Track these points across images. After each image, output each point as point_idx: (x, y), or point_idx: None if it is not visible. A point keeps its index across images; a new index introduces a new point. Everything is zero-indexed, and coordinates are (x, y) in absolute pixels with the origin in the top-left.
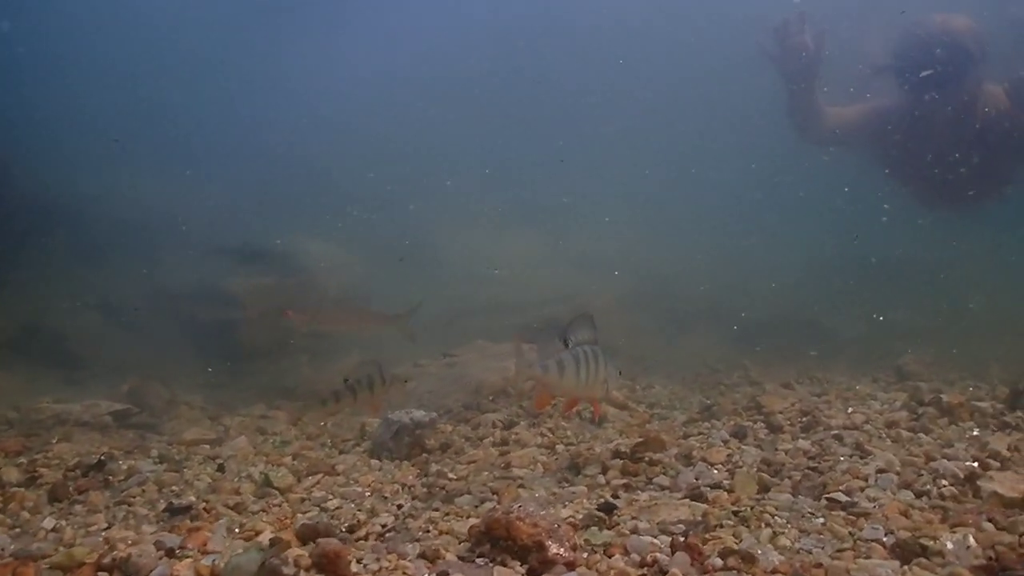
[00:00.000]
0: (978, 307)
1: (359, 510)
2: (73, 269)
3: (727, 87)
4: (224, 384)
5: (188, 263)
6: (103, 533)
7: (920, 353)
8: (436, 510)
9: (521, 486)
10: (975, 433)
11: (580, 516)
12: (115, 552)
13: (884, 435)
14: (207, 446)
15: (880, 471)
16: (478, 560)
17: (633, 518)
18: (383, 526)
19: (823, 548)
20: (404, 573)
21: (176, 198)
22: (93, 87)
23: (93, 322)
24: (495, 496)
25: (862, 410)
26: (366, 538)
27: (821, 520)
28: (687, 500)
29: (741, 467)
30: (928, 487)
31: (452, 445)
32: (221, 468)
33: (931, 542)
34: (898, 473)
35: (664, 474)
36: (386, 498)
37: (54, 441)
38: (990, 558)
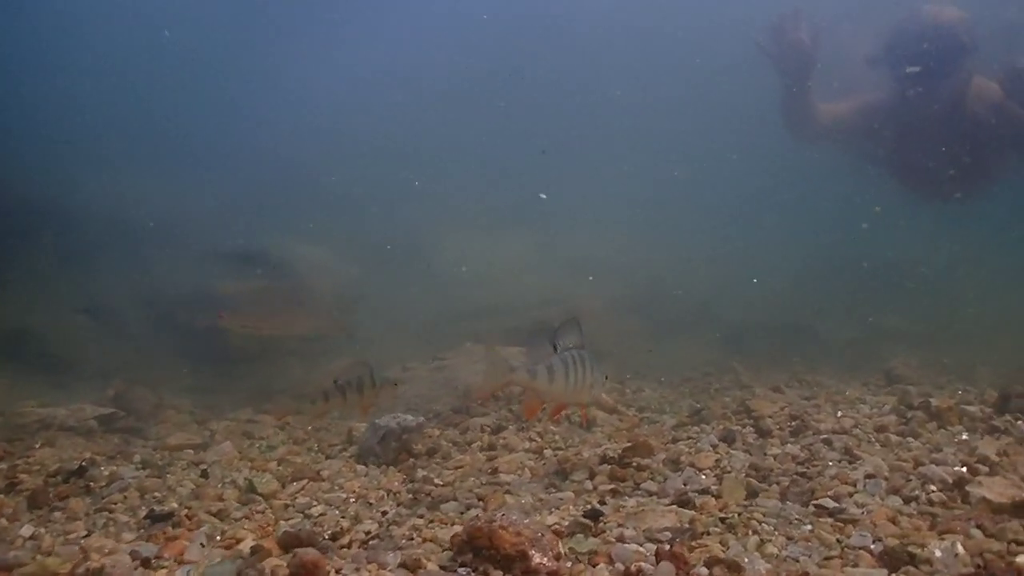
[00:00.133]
0: (967, 311)
1: (343, 517)
2: (61, 271)
3: (720, 90)
4: (212, 388)
5: (178, 266)
6: (82, 541)
7: (909, 357)
8: (421, 517)
9: (508, 492)
10: (964, 437)
11: (566, 523)
12: (89, 563)
13: (873, 439)
14: (191, 451)
15: (868, 476)
16: (460, 570)
17: (619, 525)
18: (367, 533)
19: (810, 556)
20: None
21: (166, 200)
22: (83, 87)
23: (81, 325)
24: (481, 502)
25: (851, 414)
26: (349, 546)
27: (809, 527)
28: (674, 506)
29: (729, 472)
30: (917, 493)
31: (439, 450)
32: (205, 474)
33: (919, 550)
34: (887, 478)
35: (652, 479)
36: (371, 504)
37: (37, 446)
38: (978, 566)
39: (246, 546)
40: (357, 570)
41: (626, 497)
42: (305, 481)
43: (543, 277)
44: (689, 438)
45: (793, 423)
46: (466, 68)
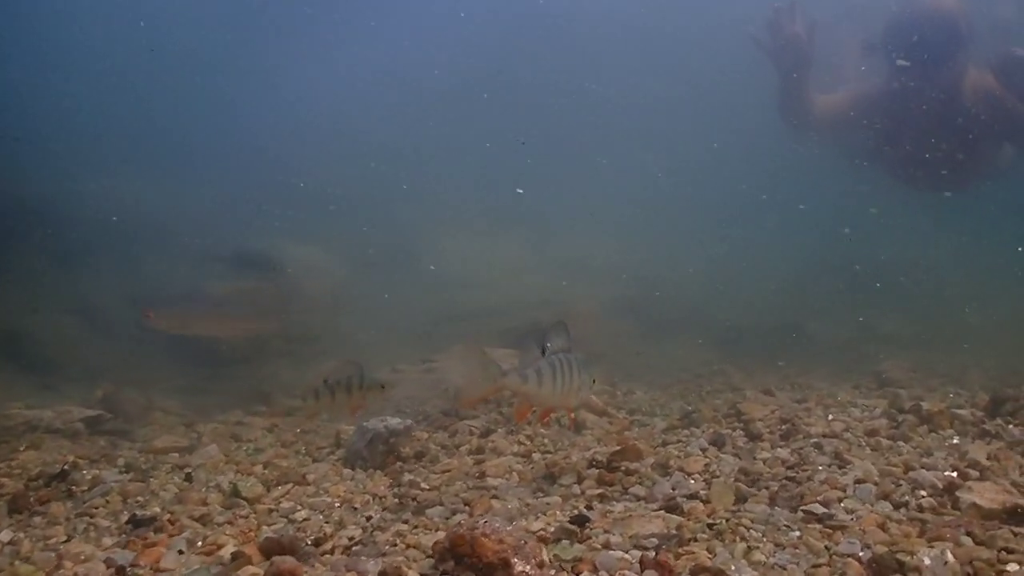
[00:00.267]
0: (960, 313)
1: (327, 522)
2: (52, 272)
3: (715, 91)
4: (203, 389)
5: (170, 267)
6: (61, 547)
7: (901, 359)
8: (406, 522)
9: (494, 497)
10: (955, 441)
11: (552, 529)
12: (62, 570)
13: (864, 443)
14: (176, 454)
15: (858, 481)
16: None
17: (605, 531)
18: (350, 539)
19: (798, 564)
20: None
21: (159, 201)
22: (76, 87)
23: (71, 326)
24: (467, 507)
25: (842, 418)
26: (332, 552)
27: (797, 533)
28: (662, 512)
29: (718, 477)
30: (906, 498)
31: (427, 453)
32: (189, 478)
33: (908, 557)
34: (876, 483)
35: (640, 484)
36: (356, 509)
37: (21, 449)
38: (968, 574)
39: (227, 552)
40: None
41: (614, 502)
42: (290, 485)
43: (536, 278)
44: (679, 441)
45: (783, 427)
46: (461, 68)
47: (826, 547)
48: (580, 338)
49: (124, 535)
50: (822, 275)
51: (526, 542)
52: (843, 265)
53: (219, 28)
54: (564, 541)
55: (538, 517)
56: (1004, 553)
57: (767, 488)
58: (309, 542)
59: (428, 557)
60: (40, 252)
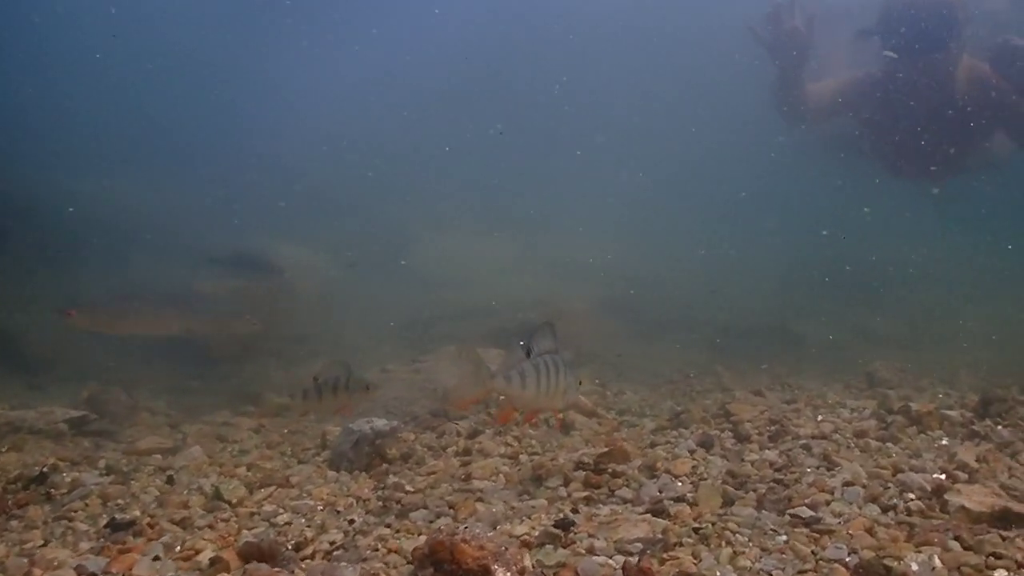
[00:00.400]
0: (951, 312)
1: (309, 526)
2: (40, 271)
3: (706, 92)
4: (191, 389)
5: (160, 266)
6: (37, 551)
7: (892, 359)
8: (388, 526)
9: (479, 500)
10: (944, 443)
11: (536, 533)
12: None
13: (853, 445)
14: (159, 456)
15: (846, 484)
16: None
17: (590, 535)
18: (331, 543)
19: (784, 569)
20: None
21: (148, 200)
22: (67, 86)
23: (59, 325)
24: (452, 510)
25: (831, 419)
26: (312, 556)
27: (784, 538)
28: (648, 515)
29: (706, 479)
30: (895, 501)
31: (414, 455)
32: (171, 480)
33: (895, 563)
34: (864, 486)
35: (627, 486)
36: (339, 512)
37: (3, 450)
38: None
39: (205, 557)
40: None
41: (600, 505)
42: (274, 487)
43: (528, 278)
44: (667, 443)
45: (772, 428)
46: (453, 69)
47: (813, 552)
48: (571, 338)
49: (102, 539)
50: (813, 275)
51: (507, 548)
52: (834, 265)
53: (213, 28)
54: (548, 546)
55: (523, 521)
56: (992, 559)
57: (754, 491)
58: (289, 547)
59: (408, 563)
60: (29, 251)
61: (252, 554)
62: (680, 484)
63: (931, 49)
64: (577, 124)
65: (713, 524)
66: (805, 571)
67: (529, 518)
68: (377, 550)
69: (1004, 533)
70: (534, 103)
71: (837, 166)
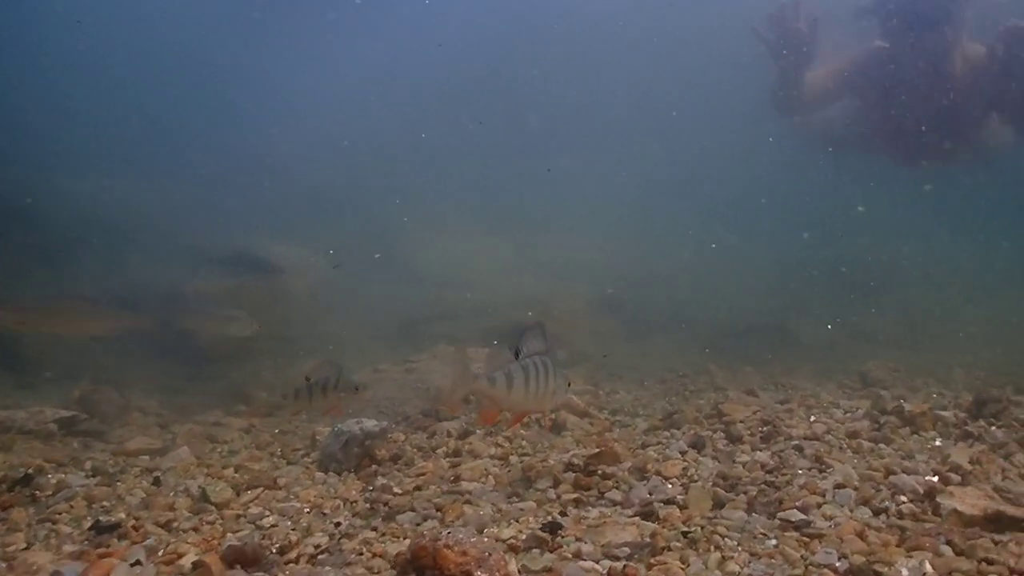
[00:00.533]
0: (946, 311)
1: (294, 529)
2: (34, 270)
3: (700, 92)
4: (183, 389)
5: (153, 264)
6: (19, 554)
7: (886, 358)
8: (375, 529)
9: (467, 502)
10: (937, 444)
11: (523, 536)
12: None
13: (845, 446)
14: (146, 457)
15: (838, 486)
16: None
17: (577, 539)
18: (316, 547)
19: (773, 574)
20: None
21: (142, 199)
22: (59, 84)
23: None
24: (439, 513)
25: (824, 419)
26: (297, 560)
27: (773, 542)
28: (637, 518)
29: (696, 481)
30: (887, 504)
31: (403, 456)
32: (157, 481)
33: (886, 568)
34: (856, 488)
35: (617, 488)
36: (325, 515)
37: None
38: None
39: (188, 561)
40: None
41: (589, 507)
42: (260, 489)
43: (522, 278)
44: (659, 443)
45: (764, 428)
46: (450, 69)
47: (802, 557)
48: (565, 337)
49: (87, 542)
50: (809, 274)
51: (490, 554)
52: (830, 263)
53: (211, 28)
54: (534, 550)
55: (510, 524)
56: (984, 564)
57: (745, 493)
58: (274, 550)
59: (392, 568)
60: (22, 249)
61: (235, 558)
62: (670, 486)
63: (927, 29)
64: (573, 124)
65: (702, 528)
66: None
67: (517, 521)
68: (362, 554)
69: (997, 537)
70: (531, 103)
71: (834, 163)
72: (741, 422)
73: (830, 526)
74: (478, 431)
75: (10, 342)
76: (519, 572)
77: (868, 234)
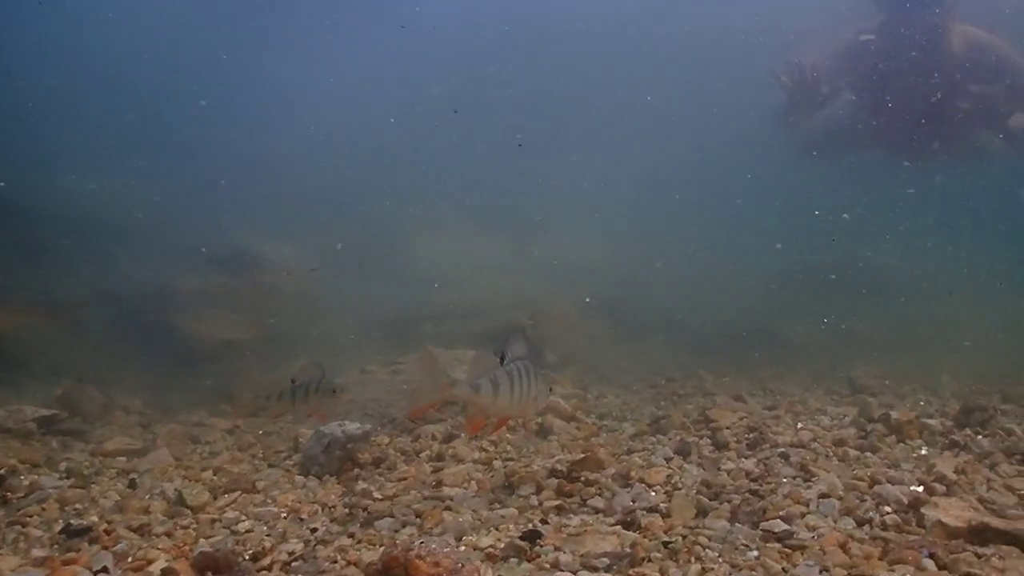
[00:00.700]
0: (936, 316)
1: (269, 534)
2: (19, 266)
3: (694, 96)
4: (169, 387)
5: (141, 262)
6: None
7: (875, 365)
8: (351, 536)
9: (448, 509)
10: (923, 452)
11: (502, 545)
12: None
13: (831, 454)
14: (123, 458)
15: (822, 496)
16: None
17: (557, 548)
18: (290, 554)
19: None
20: None
21: (130, 196)
22: (49, 81)
23: (37, 322)
24: (418, 519)
25: (811, 426)
26: (270, 568)
27: (755, 553)
28: (619, 527)
29: (680, 489)
30: (871, 514)
31: (386, 459)
32: (133, 484)
33: None
34: (841, 498)
35: (600, 495)
36: (302, 520)
37: None
38: None
39: (157, 568)
40: None
41: (571, 515)
42: (238, 493)
43: (516, 279)
44: (645, 449)
45: (751, 435)
46: (444, 70)
47: (784, 569)
48: (555, 339)
49: (56, 546)
50: (799, 279)
51: (463, 564)
52: (821, 269)
53: (207, 26)
54: (512, 559)
55: (489, 532)
56: None
57: (729, 502)
58: (247, 557)
59: None
60: (8, 246)
61: (206, 565)
62: (654, 494)
63: (920, 9)
64: (569, 126)
65: (684, 537)
66: None
67: (497, 529)
68: (336, 562)
69: (980, 551)
70: (526, 104)
71: (826, 168)
72: (728, 428)
73: (813, 537)
74: (463, 435)
75: None
76: None
77: (859, 239)
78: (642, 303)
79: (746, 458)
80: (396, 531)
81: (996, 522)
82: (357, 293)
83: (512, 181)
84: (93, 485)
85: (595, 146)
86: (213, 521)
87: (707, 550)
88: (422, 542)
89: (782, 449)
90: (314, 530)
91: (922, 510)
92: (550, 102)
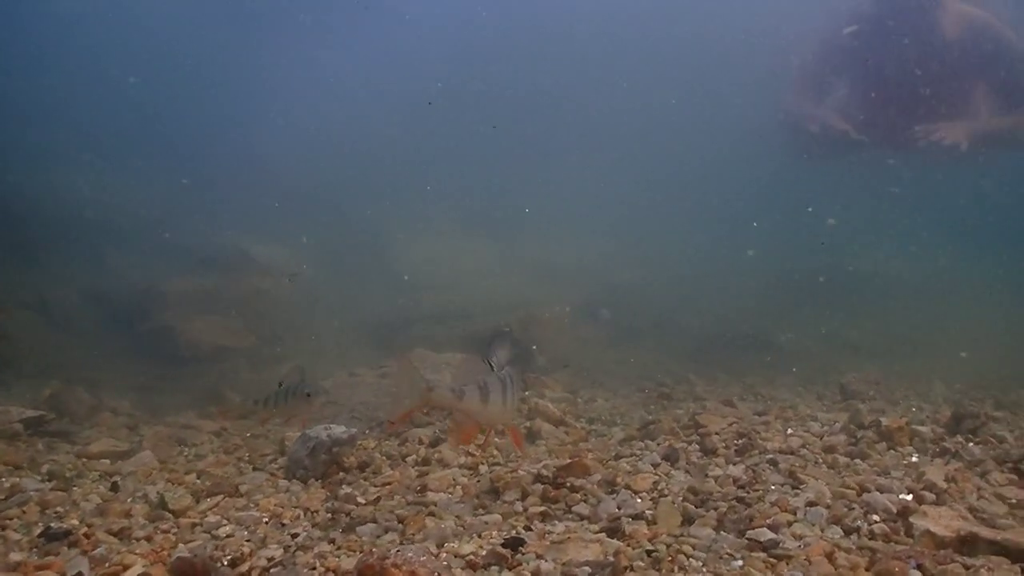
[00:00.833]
0: (929, 321)
1: (249, 539)
2: (8, 266)
3: (690, 101)
4: (159, 389)
5: (132, 263)
6: None
7: (867, 370)
8: (332, 541)
9: (431, 514)
10: (914, 459)
11: (484, 552)
12: None
13: (821, 461)
14: (107, 461)
15: (810, 504)
16: None
17: (538, 556)
18: (269, 560)
19: None
20: None
21: (122, 195)
22: (38, 80)
23: (27, 322)
24: (401, 525)
25: (800, 432)
26: (248, 573)
27: (739, 563)
28: (602, 535)
29: (666, 496)
30: (859, 523)
31: (372, 463)
32: (115, 487)
33: None
34: (828, 506)
35: (585, 502)
36: (284, 525)
37: None
38: None
39: (133, 573)
40: None
41: (556, 521)
42: (221, 496)
43: (508, 282)
44: (633, 455)
45: (740, 441)
46: (437, 72)
47: None
48: (546, 343)
49: (35, 550)
50: (791, 284)
51: (440, 574)
52: (813, 273)
53: (197, 23)
54: (493, 567)
55: (472, 539)
56: None
57: (716, 509)
58: (225, 562)
59: None
60: (4, 246)
61: (183, 571)
62: (640, 501)
63: None
64: (563, 128)
65: (668, 546)
66: None
67: (479, 536)
68: (315, 568)
69: (969, 561)
70: (520, 106)
71: (821, 171)
72: (717, 434)
73: (799, 547)
74: (451, 440)
75: None
76: None
77: (853, 243)
78: (635, 306)
79: (734, 464)
80: (378, 537)
81: (985, 532)
82: (347, 295)
83: (503, 184)
84: (75, 488)
85: (588, 150)
86: (194, 525)
87: (691, 559)
88: (398, 550)
89: (771, 455)
90: (295, 535)
91: (911, 519)
92: (543, 105)
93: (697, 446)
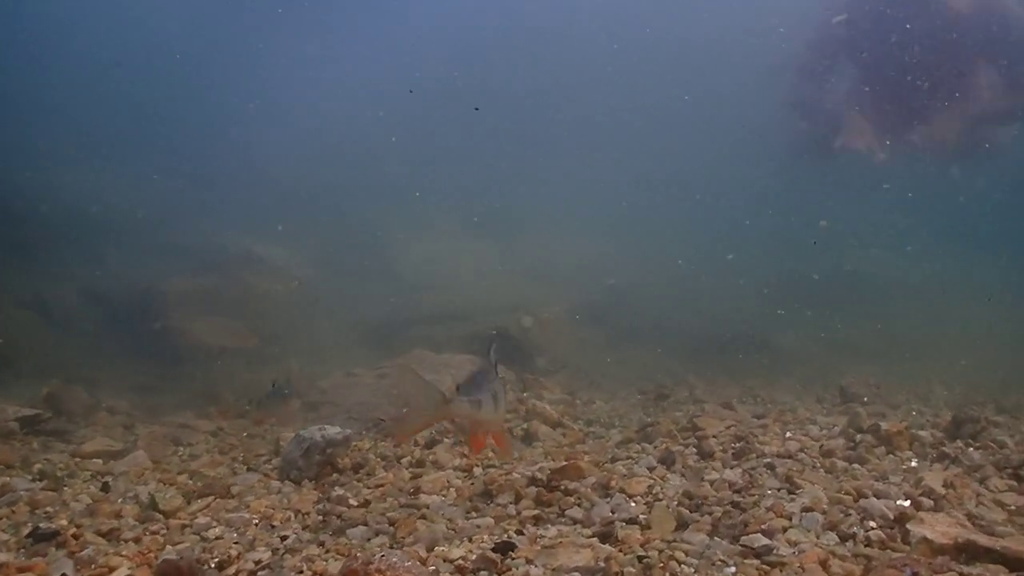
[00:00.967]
0: (930, 324)
1: (238, 542)
2: (6, 265)
3: (690, 106)
4: (157, 388)
5: (132, 263)
6: None
7: (867, 373)
8: (321, 544)
9: (423, 517)
10: (913, 464)
11: (473, 557)
12: None
13: (818, 465)
14: (100, 460)
15: (806, 509)
16: None
17: (528, 561)
18: (257, 563)
19: None
20: None
21: (120, 195)
22: (35, 79)
23: (25, 321)
24: (392, 528)
25: (799, 436)
26: None
27: (732, 569)
28: (595, 539)
29: (661, 500)
30: (855, 529)
31: (366, 465)
32: (106, 487)
33: None
34: (824, 512)
35: (579, 506)
36: (274, 527)
37: None
38: None
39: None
40: None
41: (548, 525)
42: (212, 497)
43: (505, 284)
44: (629, 458)
45: (737, 444)
46: (435, 74)
47: None
48: (546, 344)
49: (22, 550)
50: (791, 286)
51: None
52: (814, 275)
53: (198, 23)
54: (483, 572)
55: (462, 543)
56: None
57: (710, 514)
58: (212, 565)
59: None
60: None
61: (169, 573)
62: (634, 505)
63: None
64: (563, 129)
65: (660, 552)
66: None
67: (470, 540)
68: (302, 572)
69: (966, 570)
70: (519, 109)
71: (819, 174)
72: (714, 437)
73: (793, 553)
74: (446, 440)
75: None
76: None
77: (851, 245)
78: (635, 309)
79: (731, 468)
80: (368, 540)
81: (983, 539)
82: (346, 296)
83: (503, 185)
84: (66, 488)
85: (588, 150)
86: (183, 527)
87: (683, 565)
88: (383, 555)
89: (768, 459)
90: (284, 538)
91: (908, 525)
92: (543, 105)
93: (694, 449)
